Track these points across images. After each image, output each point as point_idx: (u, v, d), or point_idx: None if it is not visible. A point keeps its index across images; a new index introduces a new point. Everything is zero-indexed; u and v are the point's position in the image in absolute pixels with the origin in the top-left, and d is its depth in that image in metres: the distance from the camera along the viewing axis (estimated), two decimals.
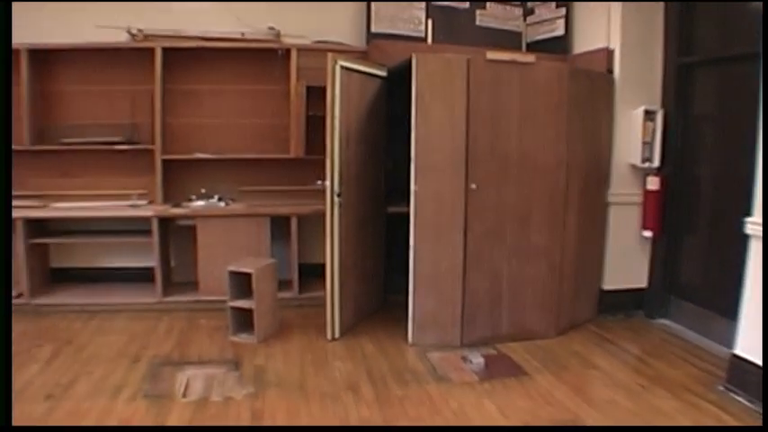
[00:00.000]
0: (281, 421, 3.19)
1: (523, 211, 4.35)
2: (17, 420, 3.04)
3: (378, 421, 3.21)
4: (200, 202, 5.32)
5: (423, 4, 5.57)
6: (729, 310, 3.75)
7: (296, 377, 3.76)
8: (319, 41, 5.46)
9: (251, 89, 5.57)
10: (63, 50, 5.18)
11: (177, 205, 5.26)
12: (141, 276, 5.25)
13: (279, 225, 5.23)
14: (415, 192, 4.17)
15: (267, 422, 3.18)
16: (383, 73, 4.75)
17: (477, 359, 4.01)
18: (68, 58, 5.28)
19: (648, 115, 4.77)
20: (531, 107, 4.27)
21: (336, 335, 4.40)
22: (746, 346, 3.48)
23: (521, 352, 4.21)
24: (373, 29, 5.50)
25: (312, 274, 5.19)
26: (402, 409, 3.34)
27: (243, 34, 5.38)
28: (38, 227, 5.16)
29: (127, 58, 5.29)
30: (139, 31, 5.24)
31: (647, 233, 4.91)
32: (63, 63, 5.31)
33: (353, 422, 3.19)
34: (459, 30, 5.62)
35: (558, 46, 5.51)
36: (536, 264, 4.42)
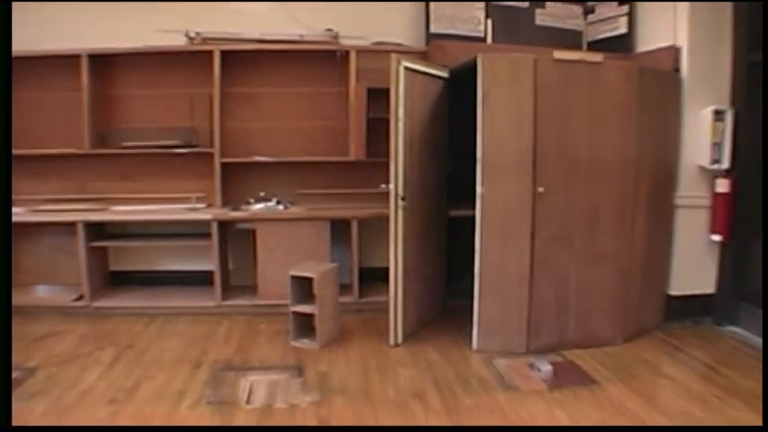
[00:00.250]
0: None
1: (591, 214, 4.24)
2: (80, 423, 3.08)
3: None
4: (259, 206, 5.31)
5: (482, 4, 5.50)
6: None
7: (360, 384, 3.69)
8: (378, 42, 5.43)
9: (309, 91, 5.55)
10: (122, 55, 5.24)
11: (236, 209, 5.27)
12: (200, 280, 5.26)
13: (338, 228, 5.20)
14: (481, 194, 4.08)
15: None
16: (445, 74, 4.66)
17: (546, 367, 3.89)
18: (128, 63, 5.35)
19: (718, 115, 4.63)
20: (600, 107, 4.16)
21: (399, 340, 4.34)
22: None
23: (588, 359, 4.09)
24: (432, 29, 5.44)
25: (371, 278, 5.16)
26: (471, 418, 3.26)
27: (301, 36, 5.36)
28: (98, 230, 5.25)
29: (185, 61, 5.33)
30: (197, 34, 5.28)
31: (716, 237, 4.75)
32: (122, 67, 5.38)
33: None
34: (519, 29, 5.55)
35: (621, 44, 5.39)
36: (604, 268, 4.30)
